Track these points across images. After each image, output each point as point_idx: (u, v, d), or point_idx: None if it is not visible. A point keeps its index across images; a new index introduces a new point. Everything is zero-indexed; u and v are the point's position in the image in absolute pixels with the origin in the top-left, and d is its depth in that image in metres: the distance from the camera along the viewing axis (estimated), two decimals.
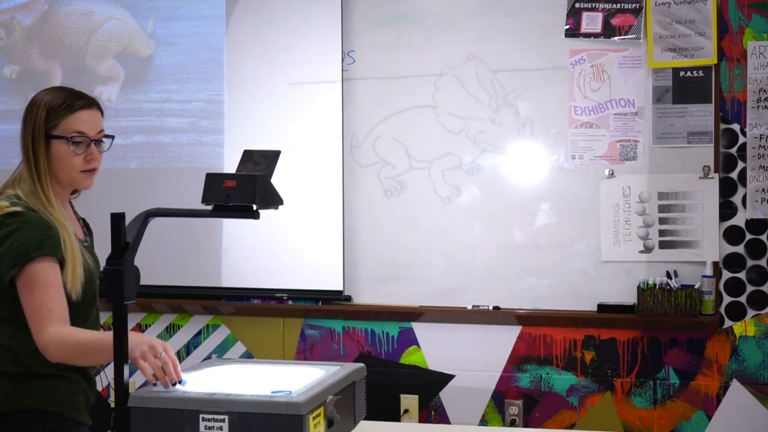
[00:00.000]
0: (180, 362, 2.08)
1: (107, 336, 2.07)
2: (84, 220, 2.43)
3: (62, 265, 2.14)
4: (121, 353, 1.75)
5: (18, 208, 2.13)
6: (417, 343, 3.73)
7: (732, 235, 3.47)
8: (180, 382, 2.06)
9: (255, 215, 1.92)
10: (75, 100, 2.23)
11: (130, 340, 1.97)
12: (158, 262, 3.82)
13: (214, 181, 1.89)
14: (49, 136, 2.19)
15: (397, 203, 3.73)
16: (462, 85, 3.67)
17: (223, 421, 1.91)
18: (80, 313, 2.22)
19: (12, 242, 2.10)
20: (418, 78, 3.72)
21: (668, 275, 3.49)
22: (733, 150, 3.46)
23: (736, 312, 3.46)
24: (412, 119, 3.72)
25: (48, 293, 2.09)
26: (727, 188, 3.47)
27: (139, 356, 2.03)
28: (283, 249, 3.79)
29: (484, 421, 3.67)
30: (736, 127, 3.46)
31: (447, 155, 3.69)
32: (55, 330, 2.08)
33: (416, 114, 3.72)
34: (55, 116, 2.19)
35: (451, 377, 3.71)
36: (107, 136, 2.29)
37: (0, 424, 2.15)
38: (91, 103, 2.26)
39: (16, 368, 2.15)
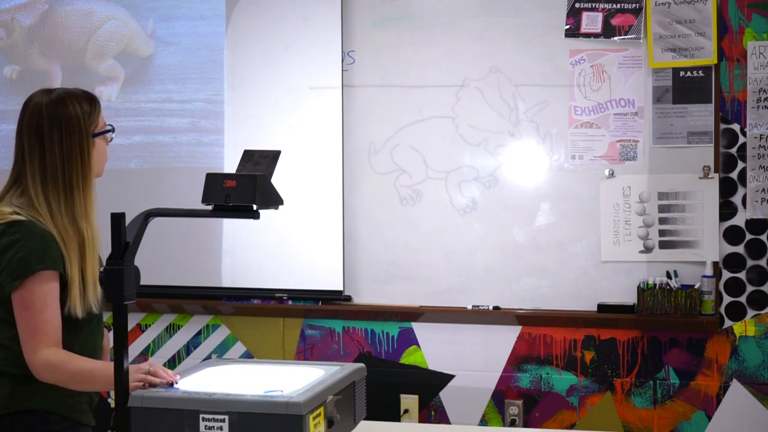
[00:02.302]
0: (180, 362, 2.10)
1: (103, 367, 2.12)
2: None
3: (63, 277, 2.14)
4: (121, 354, 1.75)
5: (21, 217, 2.12)
6: (417, 343, 3.73)
7: (732, 235, 3.47)
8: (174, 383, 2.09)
9: (255, 215, 1.92)
10: (93, 96, 2.28)
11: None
12: (158, 262, 3.82)
13: (214, 181, 1.89)
14: (93, 136, 2.24)
15: (397, 206, 3.74)
16: (460, 85, 3.67)
17: (223, 421, 1.91)
18: (89, 315, 2.22)
19: (14, 253, 2.09)
20: (417, 77, 3.72)
21: (668, 275, 3.49)
22: (733, 150, 3.46)
23: (736, 312, 3.46)
24: (401, 108, 3.73)
25: (44, 314, 2.09)
26: (727, 188, 3.47)
27: (136, 382, 2.06)
28: (283, 249, 3.79)
29: (484, 421, 3.67)
30: (736, 127, 3.46)
31: (446, 154, 3.69)
32: (48, 354, 2.09)
33: (415, 112, 3.72)
34: (93, 117, 2.24)
35: (451, 377, 3.71)
36: None
37: (2, 424, 2.15)
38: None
39: (16, 369, 2.14)
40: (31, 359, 2.09)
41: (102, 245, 2.31)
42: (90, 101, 2.26)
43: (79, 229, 2.18)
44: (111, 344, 2.40)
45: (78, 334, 2.20)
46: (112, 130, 2.30)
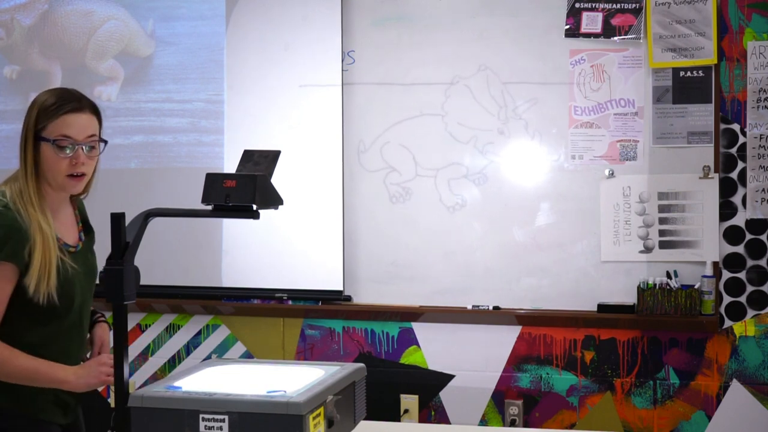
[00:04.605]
0: (180, 362, 2.10)
1: (45, 367, 2.14)
2: (85, 222, 2.41)
3: (26, 268, 2.13)
4: (121, 354, 1.75)
5: None
6: (417, 343, 3.73)
7: (732, 235, 3.47)
8: None
9: (255, 215, 1.92)
10: (65, 102, 2.18)
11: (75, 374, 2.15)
12: (158, 262, 3.83)
13: (214, 181, 1.89)
14: (37, 137, 2.17)
15: (399, 207, 3.74)
16: (460, 84, 3.67)
17: (223, 421, 1.91)
18: (56, 315, 2.21)
19: None
20: (417, 76, 3.72)
21: (668, 275, 3.49)
22: (733, 150, 3.46)
23: (736, 312, 3.46)
24: (402, 107, 3.73)
25: None
26: (727, 188, 3.47)
27: (104, 375, 2.13)
28: (283, 249, 3.79)
29: (484, 421, 3.67)
30: (736, 127, 3.46)
31: (449, 157, 3.69)
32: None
33: (415, 111, 3.72)
34: (45, 118, 2.16)
35: (451, 377, 3.71)
36: (102, 141, 2.25)
37: None
38: (82, 106, 2.20)
39: None
40: None
41: (101, 245, 2.32)
42: (58, 101, 2.18)
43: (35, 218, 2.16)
44: (111, 344, 2.41)
45: (46, 331, 2.20)
46: (63, 147, 2.16)
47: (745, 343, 3.46)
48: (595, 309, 3.56)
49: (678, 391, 3.51)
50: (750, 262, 3.46)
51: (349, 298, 3.78)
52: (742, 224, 3.46)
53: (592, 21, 3.55)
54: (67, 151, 2.16)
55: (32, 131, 2.16)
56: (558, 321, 3.58)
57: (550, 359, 3.61)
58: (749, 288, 3.46)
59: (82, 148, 2.19)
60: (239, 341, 3.90)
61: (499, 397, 3.66)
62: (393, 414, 3.71)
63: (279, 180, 1.97)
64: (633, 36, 3.51)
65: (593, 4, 3.56)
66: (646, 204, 3.53)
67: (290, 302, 3.83)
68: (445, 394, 3.71)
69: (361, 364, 2.31)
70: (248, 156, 1.96)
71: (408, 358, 3.74)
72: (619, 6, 3.53)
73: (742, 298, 3.46)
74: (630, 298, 3.54)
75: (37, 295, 2.13)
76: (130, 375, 3.87)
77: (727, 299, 3.47)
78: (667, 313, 3.45)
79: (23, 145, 2.17)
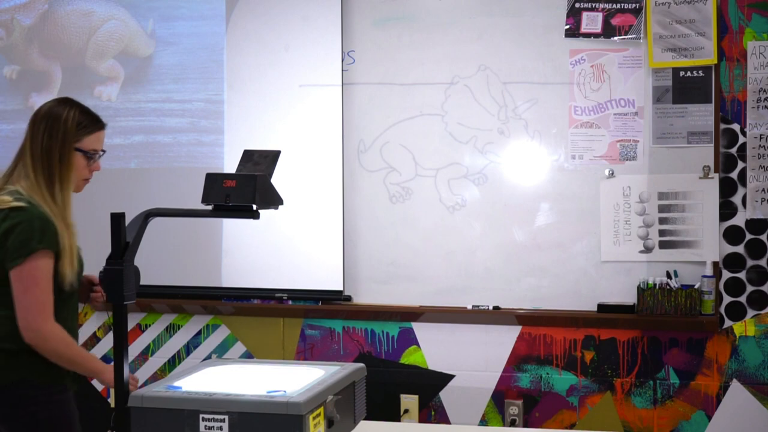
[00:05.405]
0: (180, 362, 2.11)
1: (90, 357, 2.49)
2: None
3: (58, 256, 2.36)
4: (121, 354, 1.75)
5: (21, 203, 2.36)
6: (417, 343, 3.73)
7: (732, 235, 3.47)
8: None
9: (255, 215, 1.92)
10: (96, 120, 2.53)
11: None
12: (158, 262, 3.82)
13: (214, 181, 1.90)
14: (74, 148, 2.47)
15: (398, 205, 3.74)
16: (460, 84, 3.67)
17: (223, 421, 1.91)
18: (64, 294, 2.44)
19: (17, 235, 2.32)
20: (417, 76, 3.72)
21: (668, 275, 3.49)
22: (733, 150, 3.46)
23: (736, 312, 3.47)
24: (402, 107, 3.73)
25: (47, 289, 2.34)
26: (727, 188, 3.47)
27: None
28: (284, 249, 3.79)
29: (484, 421, 3.67)
30: (736, 127, 3.46)
31: (449, 156, 3.69)
32: (58, 326, 2.36)
33: (415, 111, 3.72)
34: (83, 132, 2.48)
35: (451, 377, 3.71)
36: (102, 150, 2.60)
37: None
38: (104, 125, 2.57)
39: (13, 345, 2.35)
40: (43, 328, 2.33)
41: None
42: (91, 120, 2.51)
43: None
44: (111, 345, 2.42)
45: (62, 309, 2.42)
46: (93, 157, 2.51)
47: (745, 343, 3.46)
48: (595, 309, 3.56)
49: (678, 391, 3.51)
50: (750, 262, 3.46)
51: (349, 298, 3.78)
52: (742, 224, 3.46)
53: (592, 21, 3.55)
54: (93, 161, 2.53)
55: (72, 143, 2.45)
56: (558, 321, 3.58)
57: (550, 359, 3.61)
58: (749, 288, 3.46)
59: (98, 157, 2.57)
60: (239, 341, 3.90)
61: (499, 397, 3.66)
62: (393, 414, 3.72)
63: (279, 180, 1.97)
64: (633, 36, 3.51)
65: (593, 4, 3.56)
66: (646, 204, 3.53)
67: (290, 302, 3.83)
68: (445, 394, 3.71)
69: (361, 364, 2.31)
70: (248, 156, 1.97)
71: (408, 358, 3.74)
72: (619, 6, 3.53)
73: (742, 298, 3.46)
74: (630, 298, 3.54)
75: (68, 282, 2.39)
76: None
77: (727, 299, 3.47)
78: (667, 313, 3.45)
79: (58, 154, 2.43)
